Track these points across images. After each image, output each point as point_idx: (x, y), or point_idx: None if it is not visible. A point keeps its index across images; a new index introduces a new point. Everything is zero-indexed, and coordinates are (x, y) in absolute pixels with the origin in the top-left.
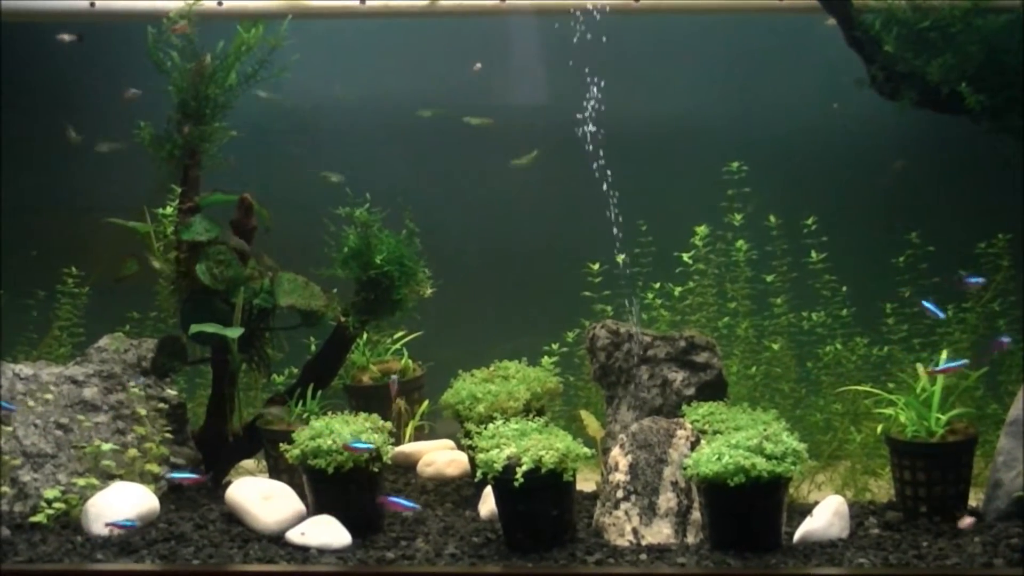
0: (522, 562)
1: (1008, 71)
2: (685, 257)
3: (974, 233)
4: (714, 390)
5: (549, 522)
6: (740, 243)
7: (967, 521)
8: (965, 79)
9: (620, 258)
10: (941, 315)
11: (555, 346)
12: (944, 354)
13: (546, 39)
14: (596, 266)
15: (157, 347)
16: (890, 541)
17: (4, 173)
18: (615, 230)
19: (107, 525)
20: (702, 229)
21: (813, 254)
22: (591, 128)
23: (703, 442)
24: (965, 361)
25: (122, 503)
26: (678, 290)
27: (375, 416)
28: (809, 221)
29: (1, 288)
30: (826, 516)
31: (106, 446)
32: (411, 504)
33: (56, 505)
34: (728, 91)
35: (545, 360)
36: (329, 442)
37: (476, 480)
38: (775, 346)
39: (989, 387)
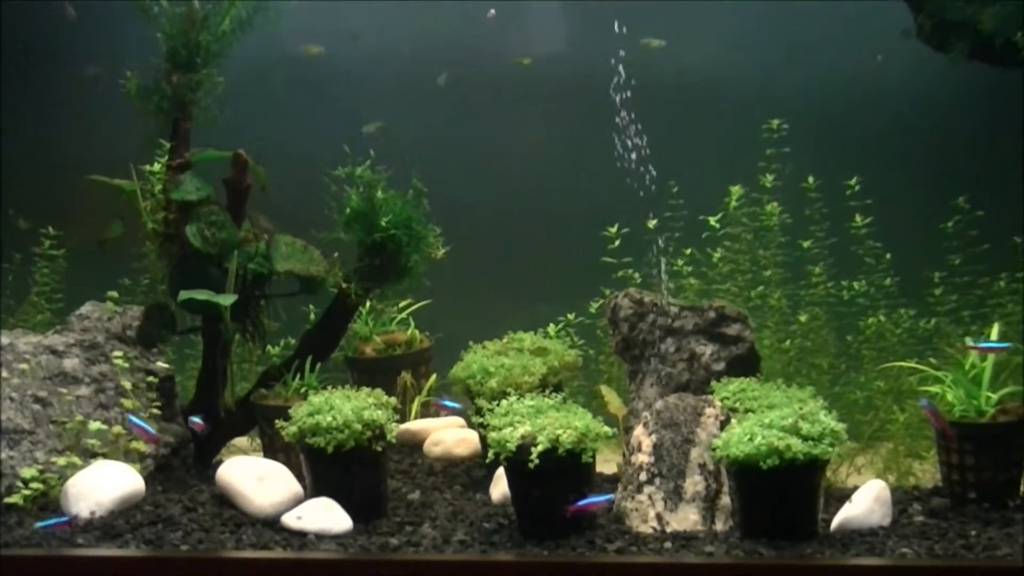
0: (537, 550)
1: None
2: (712, 221)
3: None
4: (745, 365)
5: (566, 507)
6: (769, 207)
7: None
8: (1021, 28)
9: (652, 224)
10: None
11: (571, 316)
12: (995, 327)
13: None
14: (614, 229)
15: (143, 315)
16: (936, 529)
17: None
18: (642, 191)
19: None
20: (736, 190)
21: (857, 218)
22: (616, 80)
23: (733, 421)
24: (1009, 344)
25: (104, 483)
26: (716, 256)
27: (379, 391)
28: (852, 182)
29: None
30: (866, 502)
31: (94, 425)
32: (605, 498)
33: (33, 485)
34: (765, 41)
35: (551, 329)
36: (329, 419)
37: (487, 461)
38: (802, 318)
39: None
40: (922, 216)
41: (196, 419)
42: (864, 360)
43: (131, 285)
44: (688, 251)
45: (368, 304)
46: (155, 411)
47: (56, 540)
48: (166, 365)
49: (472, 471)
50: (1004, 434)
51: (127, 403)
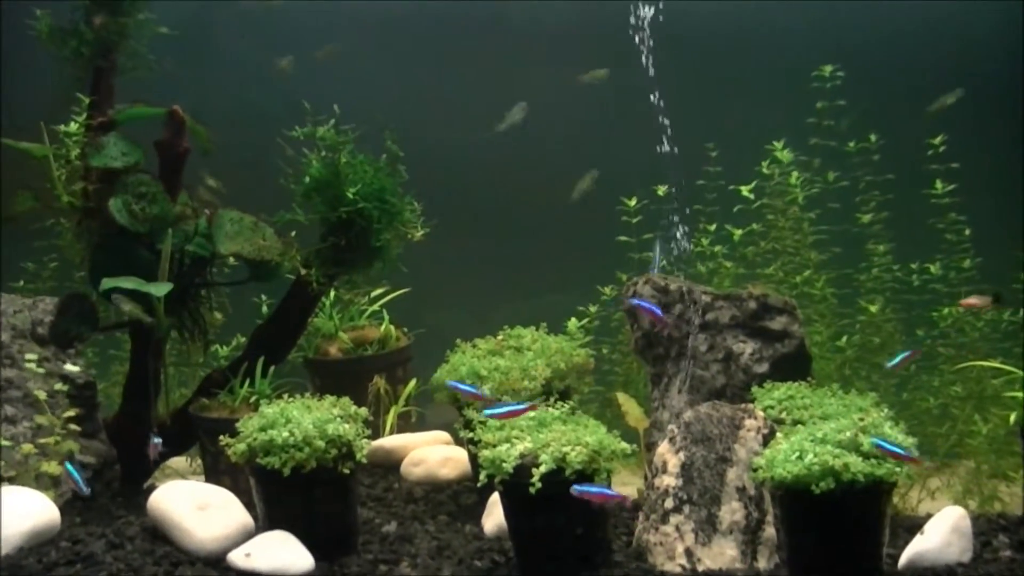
0: None
1: None
2: (745, 191)
3: None
4: (794, 366)
5: (575, 540)
6: (794, 177)
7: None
8: None
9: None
10: None
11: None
12: None
13: None
14: (632, 202)
15: (58, 308)
16: None
17: None
18: (668, 155)
19: None
20: (785, 155)
21: (938, 185)
22: (641, 26)
23: (779, 435)
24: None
25: (11, 513)
26: (739, 233)
27: (346, 400)
28: (937, 141)
29: None
30: (942, 533)
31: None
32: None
33: None
34: None
35: (572, 324)
36: (285, 434)
37: (479, 485)
38: (873, 308)
39: None
40: (1002, 184)
41: (157, 440)
42: (939, 360)
43: (38, 270)
44: (712, 227)
45: (333, 294)
46: (73, 426)
47: None
48: (83, 369)
49: (460, 497)
50: None
51: (39, 419)
